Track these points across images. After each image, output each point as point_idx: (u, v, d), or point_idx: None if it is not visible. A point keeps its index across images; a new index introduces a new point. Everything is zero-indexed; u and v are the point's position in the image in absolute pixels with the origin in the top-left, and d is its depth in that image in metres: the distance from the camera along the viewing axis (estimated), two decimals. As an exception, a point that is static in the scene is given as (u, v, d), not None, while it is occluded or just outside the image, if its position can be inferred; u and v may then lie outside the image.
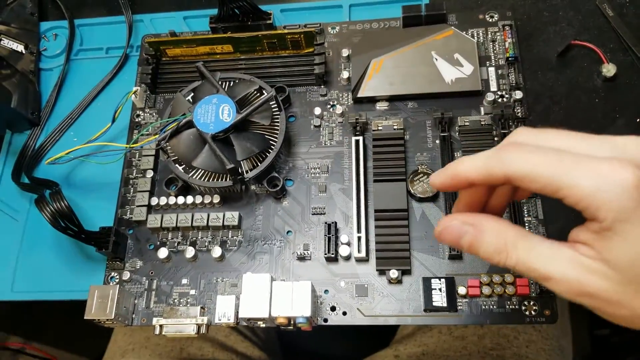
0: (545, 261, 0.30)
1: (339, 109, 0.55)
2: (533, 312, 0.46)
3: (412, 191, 0.51)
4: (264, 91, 0.54)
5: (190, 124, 0.51)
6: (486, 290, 0.46)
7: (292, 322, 0.45)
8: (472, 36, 0.57)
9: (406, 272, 0.48)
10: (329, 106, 0.56)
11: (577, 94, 0.54)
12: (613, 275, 0.29)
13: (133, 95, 0.57)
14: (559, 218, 0.49)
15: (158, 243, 0.53)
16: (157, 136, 0.52)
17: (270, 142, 0.52)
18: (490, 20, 0.57)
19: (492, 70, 0.55)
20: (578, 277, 0.29)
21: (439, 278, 0.47)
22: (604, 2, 0.57)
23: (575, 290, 0.30)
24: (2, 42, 0.64)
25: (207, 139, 0.50)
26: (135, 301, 0.51)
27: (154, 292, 0.51)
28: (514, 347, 0.62)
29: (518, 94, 0.53)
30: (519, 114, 0.53)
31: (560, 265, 0.30)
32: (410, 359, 0.64)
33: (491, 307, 0.46)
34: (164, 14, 0.65)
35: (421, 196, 0.50)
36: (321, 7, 0.63)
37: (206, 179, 0.52)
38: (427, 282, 0.47)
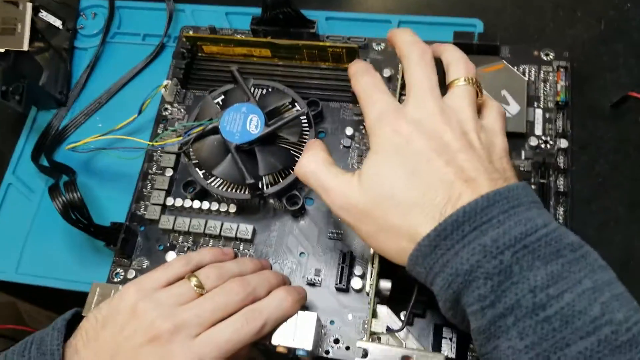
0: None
1: (371, 132, 0.53)
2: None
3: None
4: (296, 104, 0.52)
5: (215, 130, 0.49)
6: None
7: (291, 353, 0.43)
8: (524, 73, 0.53)
9: (418, 314, 0.46)
10: (361, 127, 0.54)
11: (626, 149, 0.51)
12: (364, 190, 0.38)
13: (163, 89, 0.56)
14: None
15: (168, 245, 0.51)
16: (180, 138, 0.50)
17: (296, 158, 0.50)
18: (545, 59, 0.54)
19: (539, 112, 0.52)
20: (343, 189, 0.39)
21: (452, 328, 0.45)
22: (669, 54, 0.53)
23: (340, 202, 0.39)
24: (40, 13, 0.63)
25: (231, 149, 0.48)
26: (137, 303, 0.49)
27: (156, 296, 0.50)
28: None
29: (563, 143, 0.50)
30: (561, 165, 0.49)
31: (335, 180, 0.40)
32: None
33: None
34: (207, 6, 0.63)
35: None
36: (369, 20, 0.60)
37: (225, 188, 0.50)
38: (438, 329, 0.45)
